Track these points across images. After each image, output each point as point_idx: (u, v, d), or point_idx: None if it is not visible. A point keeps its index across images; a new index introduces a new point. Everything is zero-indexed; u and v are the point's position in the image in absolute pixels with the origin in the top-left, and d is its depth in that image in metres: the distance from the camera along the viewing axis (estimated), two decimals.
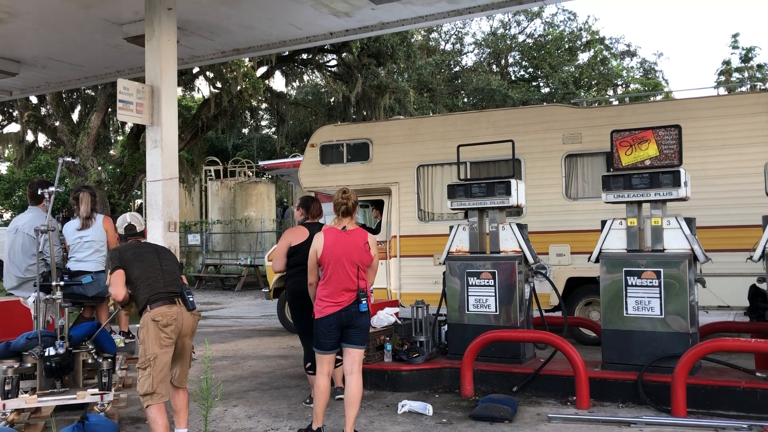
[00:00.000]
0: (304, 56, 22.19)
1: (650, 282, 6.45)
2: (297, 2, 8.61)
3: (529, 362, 7.17)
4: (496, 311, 7.23)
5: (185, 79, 20.83)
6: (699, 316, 6.81)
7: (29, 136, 22.37)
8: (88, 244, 6.89)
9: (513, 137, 8.04)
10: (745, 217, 8.43)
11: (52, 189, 6.05)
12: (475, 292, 7.33)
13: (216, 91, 20.49)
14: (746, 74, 26.07)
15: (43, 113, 21.50)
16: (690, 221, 6.56)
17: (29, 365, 5.75)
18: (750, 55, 26.52)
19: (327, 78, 24.61)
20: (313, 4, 8.67)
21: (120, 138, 28.70)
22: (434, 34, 35.75)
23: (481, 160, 9.90)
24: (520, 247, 7.27)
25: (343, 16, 9.17)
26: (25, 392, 5.68)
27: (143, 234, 5.56)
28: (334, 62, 24.13)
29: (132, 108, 7.83)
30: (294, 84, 26.92)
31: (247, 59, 19.18)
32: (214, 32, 9.80)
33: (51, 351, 5.58)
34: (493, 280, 7.24)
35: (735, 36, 26.95)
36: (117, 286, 4.97)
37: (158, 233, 7.73)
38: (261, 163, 23.68)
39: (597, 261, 6.79)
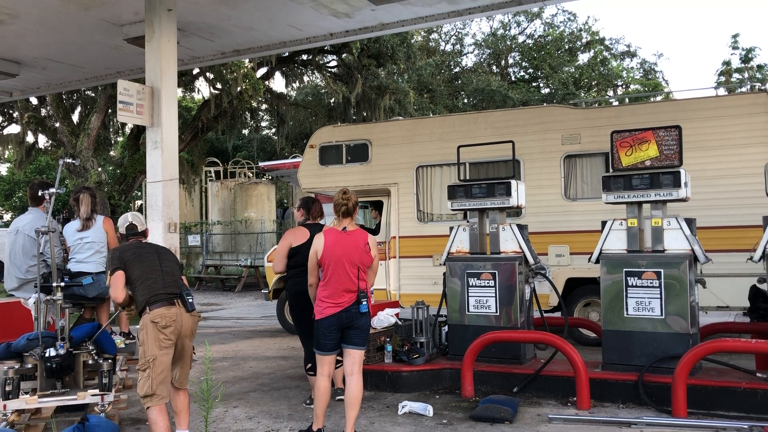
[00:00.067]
0: (304, 57, 22.20)
1: (650, 283, 6.45)
2: (297, 3, 8.62)
3: (529, 363, 7.17)
4: (497, 312, 7.23)
5: (185, 80, 20.84)
6: (699, 317, 6.81)
7: (29, 138, 22.38)
8: (88, 245, 6.89)
9: (512, 138, 8.04)
10: (745, 218, 8.43)
11: (52, 190, 6.05)
12: (475, 293, 7.33)
13: (216, 92, 20.49)
14: (746, 75, 26.07)
15: (43, 114, 21.50)
16: (690, 222, 6.56)
17: (30, 366, 5.75)
18: (750, 55, 26.53)
19: (327, 79, 24.62)
20: (313, 5, 8.68)
21: (120, 139, 28.71)
22: (434, 35, 35.77)
23: (480, 161, 9.90)
24: (521, 247, 7.27)
25: (343, 17, 9.18)
26: (26, 393, 5.69)
27: (144, 234, 5.55)
28: (334, 63, 24.14)
29: (132, 109, 7.84)
30: (294, 85, 26.92)
31: (247, 60, 19.19)
32: (214, 33, 9.81)
33: (51, 352, 5.58)
34: (493, 281, 7.24)
35: (735, 36, 26.94)
36: (116, 288, 4.97)
37: (158, 234, 7.74)
38: (261, 164, 23.69)
39: (597, 261, 6.79)
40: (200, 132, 20.93)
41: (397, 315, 7.86)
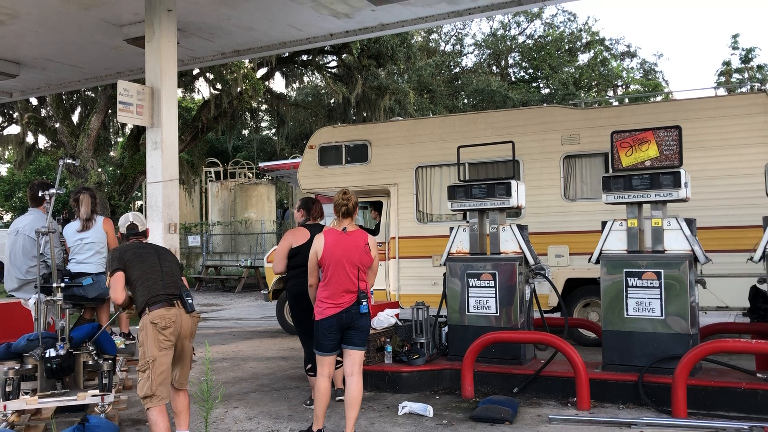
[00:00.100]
0: (304, 57, 22.20)
1: (651, 283, 6.45)
2: (297, 3, 8.62)
3: (529, 363, 7.17)
4: (497, 312, 7.23)
5: (185, 80, 20.85)
6: (699, 317, 6.81)
7: (29, 138, 22.39)
8: (88, 246, 6.89)
9: (512, 138, 8.05)
10: (744, 218, 8.43)
11: (52, 191, 6.05)
12: (475, 294, 7.33)
13: (216, 92, 20.50)
14: (746, 75, 26.07)
15: (43, 115, 21.51)
16: (690, 222, 6.56)
17: (30, 367, 5.75)
18: (750, 55, 26.54)
19: (327, 79, 24.63)
20: (313, 5, 8.68)
21: (120, 139, 28.71)
22: (434, 35, 35.78)
23: (479, 161, 9.90)
24: (521, 248, 7.27)
25: (343, 17, 9.18)
26: (26, 393, 5.69)
27: (145, 234, 5.54)
28: (334, 63, 24.15)
29: (132, 109, 7.84)
30: (294, 85, 26.92)
31: (247, 61, 19.20)
32: (214, 33, 9.81)
33: (52, 352, 5.58)
34: (493, 282, 7.24)
35: (735, 37, 26.94)
36: (116, 289, 4.97)
37: (158, 235, 7.73)
38: (261, 164, 23.70)
39: (597, 262, 6.79)
40: (200, 132, 20.93)
41: (397, 315, 7.86)
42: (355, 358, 5.31)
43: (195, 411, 5.29)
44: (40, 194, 6.67)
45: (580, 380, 6.20)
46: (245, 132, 34.04)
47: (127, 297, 5.02)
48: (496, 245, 7.40)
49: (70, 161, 7.09)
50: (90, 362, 5.90)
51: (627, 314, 6.56)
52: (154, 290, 4.91)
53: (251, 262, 21.31)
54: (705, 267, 6.74)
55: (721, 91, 22.40)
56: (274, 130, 33.20)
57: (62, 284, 5.94)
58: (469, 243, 7.54)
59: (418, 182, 10.63)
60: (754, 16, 58.42)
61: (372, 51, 22.34)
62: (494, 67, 36.08)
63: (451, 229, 7.72)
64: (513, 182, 7.31)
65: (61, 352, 5.62)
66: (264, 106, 26.86)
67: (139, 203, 28.67)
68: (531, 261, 7.27)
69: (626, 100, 29.45)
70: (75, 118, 21.99)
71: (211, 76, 20.29)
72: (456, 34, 36.25)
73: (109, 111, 19.57)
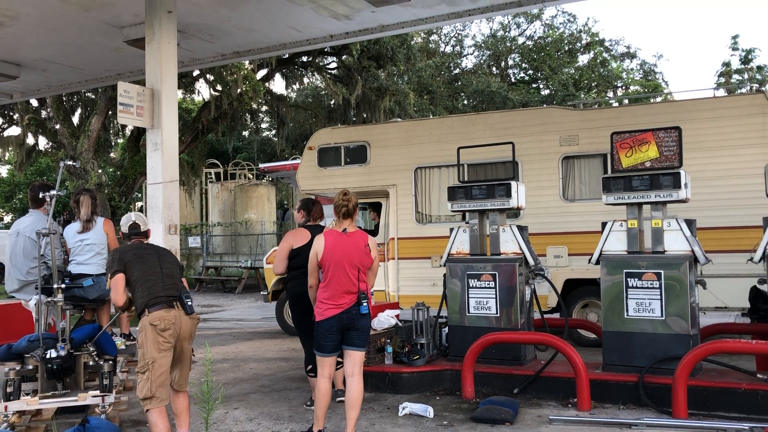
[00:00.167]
0: (304, 59, 22.22)
1: (651, 284, 6.45)
2: (297, 5, 8.62)
3: (529, 364, 7.17)
4: (497, 313, 7.23)
5: (185, 81, 20.86)
6: (699, 318, 6.81)
7: (30, 139, 22.41)
8: (88, 247, 6.89)
9: (510, 139, 8.05)
10: (743, 219, 8.44)
11: (53, 192, 6.05)
12: (475, 294, 7.33)
13: (216, 93, 20.52)
14: (746, 76, 26.07)
15: (43, 116, 21.53)
16: (690, 223, 6.56)
17: (31, 367, 5.76)
18: (750, 56, 26.52)
19: (327, 80, 24.64)
20: (313, 6, 8.69)
21: (120, 141, 28.71)
22: (434, 37, 35.76)
23: (478, 162, 9.90)
24: (521, 248, 7.27)
25: (343, 18, 9.19)
26: (27, 394, 5.69)
27: (146, 234, 5.53)
28: (334, 65, 24.16)
29: (132, 111, 7.85)
30: (294, 86, 26.95)
31: (247, 62, 19.21)
32: (214, 35, 9.82)
33: (52, 353, 5.59)
34: (493, 282, 7.24)
35: (735, 37, 26.83)
36: (117, 291, 4.97)
37: (159, 236, 7.74)
38: (261, 165, 23.71)
39: (597, 263, 6.79)
40: (200, 134, 20.95)
41: (397, 316, 7.86)
42: (355, 359, 5.32)
43: (195, 412, 5.29)
44: (40, 196, 6.68)
45: (580, 381, 6.20)
46: (245, 133, 34.06)
47: (127, 299, 5.02)
48: (496, 246, 7.40)
49: (70, 163, 7.10)
50: (91, 363, 5.90)
51: (627, 315, 6.56)
52: (153, 292, 4.91)
53: (251, 263, 21.31)
54: (704, 267, 6.74)
55: (721, 92, 22.41)
56: (274, 132, 33.21)
57: (63, 285, 5.94)
58: (470, 244, 7.54)
59: (417, 183, 10.64)
60: (754, 17, 58.47)
61: (372, 52, 22.35)
62: (494, 68, 36.08)
63: (451, 229, 7.73)
64: (513, 183, 7.32)
65: (62, 353, 5.62)
66: (264, 108, 26.88)
67: (139, 204, 28.68)
68: (531, 262, 7.27)
69: (626, 101, 29.47)
70: (75, 119, 22.01)
71: (211, 78, 20.31)
72: (456, 35, 36.27)
73: (110, 112, 19.58)
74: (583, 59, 35.19)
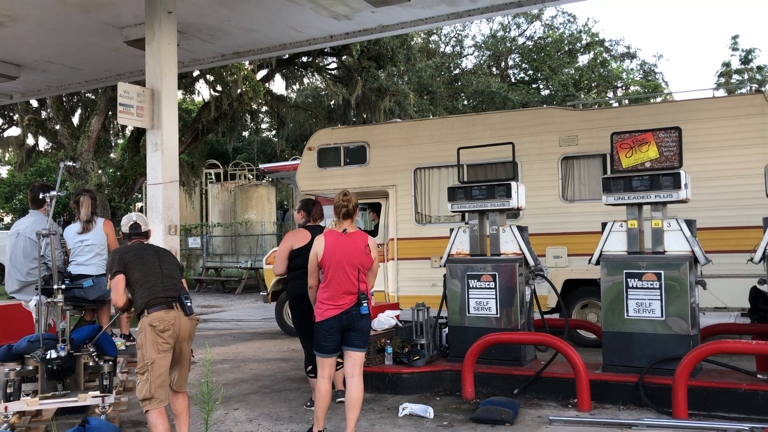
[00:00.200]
0: (304, 59, 22.22)
1: (651, 284, 6.45)
2: (297, 5, 8.62)
3: (530, 365, 7.17)
4: (497, 314, 7.23)
5: (185, 82, 20.86)
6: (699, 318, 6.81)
7: (30, 140, 22.42)
8: (88, 248, 6.88)
9: (510, 140, 8.05)
10: (742, 219, 8.44)
11: (53, 193, 6.06)
12: (475, 295, 7.33)
13: (216, 94, 20.52)
14: (746, 76, 26.07)
15: (43, 117, 21.53)
16: (690, 223, 6.56)
17: (31, 368, 5.76)
18: (750, 56, 26.53)
19: (327, 81, 24.64)
20: (313, 7, 8.68)
21: (120, 141, 28.72)
22: (434, 37, 35.77)
23: (478, 163, 9.89)
24: (521, 249, 7.27)
25: (343, 19, 9.18)
26: (27, 395, 5.69)
27: (147, 235, 5.53)
28: (334, 65, 24.16)
29: (132, 111, 7.84)
30: (294, 87, 26.95)
31: (247, 62, 19.21)
32: (215, 35, 9.81)
33: (52, 354, 5.59)
34: (493, 283, 7.24)
35: (735, 38, 26.84)
36: (117, 292, 4.97)
37: (159, 236, 7.73)
38: (261, 166, 23.73)
39: (598, 263, 6.79)
40: (200, 134, 20.95)
41: (397, 317, 7.86)
42: (355, 360, 5.32)
43: (195, 413, 5.30)
44: (40, 196, 6.68)
45: (580, 381, 6.20)
46: (245, 134, 34.07)
47: (127, 300, 5.02)
48: (496, 246, 7.40)
49: (70, 163, 7.10)
50: (91, 364, 5.90)
51: (627, 315, 6.56)
52: (153, 292, 4.91)
53: (251, 264, 21.31)
54: (704, 267, 6.75)
55: (722, 92, 22.41)
56: (274, 132, 33.22)
57: (63, 286, 5.94)
58: (470, 244, 7.54)
59: (417, 184, 10.64)
60: (754, 17, 58.48)
61: (372, 52, 22.35)
62: (494, 69, 36.08)
63: (452, 230, 7.73)
64: (513, 183, 7.32)
65: (62, 353, 5.62)
66: (264, 108, 26.89)
67: (139, 205, 28.68)
68: (531, 262, 7.27)
69: (625, 102, 29.47)
70: (75, 120, 22.01)
71: (211, 78, 20.31)
72: (456, 35, 36.29)
73: (110, 113, 19.59)
74: (583, 59, 35.24)
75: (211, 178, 28.52)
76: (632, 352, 6.51)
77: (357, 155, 11.09)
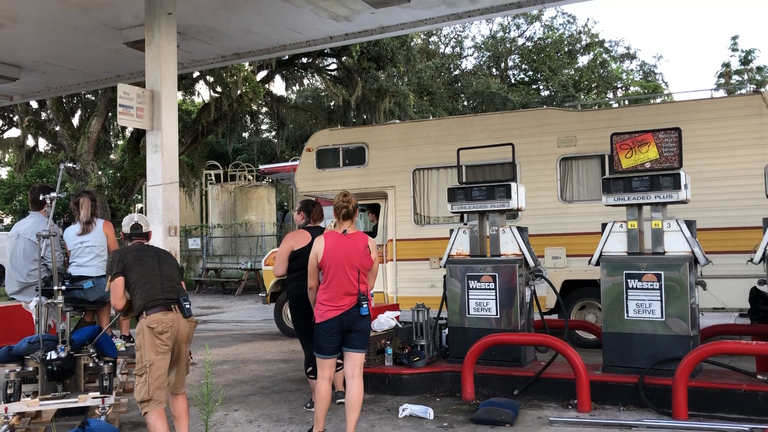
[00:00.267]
0: (304, 60, 22.23)
1: (651, 285, 6.45)
2: (297, 7, 8.62)
3: (530, 365, 7.17)
4: (497, 314, 7.23)
5: (185, 83, 20.87)
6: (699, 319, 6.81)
7: (30, 141, 22.42)
8: (88, 249, 6.89)
9: (508, 140, 8.05)
10: (740, 220, 8.45)
11: (53, 194, 6.06)
12: (475, 296, 7.33)
13: (216, 95, 20.53)
14: (746, 77, 26.07)
15: (43, 118, 21.54)
16: (690, 224, 6.56)
17: (31, 369, 5.76)
18: (749, 57, 26.53)
19: (327, 82, 24.65)
20: (313, 8, 8.69)
21: (120, 142, 28.73)
22: (434, 38, 35.79)
23: (476, 164, 9.87)
24: (521, 250, 7.27)
25: (342, 20, 9.19)
26: (27, 396, 5.69)
27: (147, 236, 5.52)
28: (334, 66, 24.17)
29: (132, 112, 7.85)
30: (294, 88, 26.97)
31: (246, 63, 19.22)
32: (214, 37, 9.82)
33: (52, 355, 5.59)
34: (493, 284, 7.24)
35: (734, 38, 26.83)
36: (116, 295, 4.98)
37: (158, 238, 7.73)
38: (261, 166, 23.73)
39: (598, 264, 6.79)
40: (200, 135, 20.96)
41: (397, 318, 7.86)
42: (355, 361, 5.31)
43: (195, 414, 5.29)
44: (41, 198, 6.68)
45: (580, 382, 6.20)
46: (245, 135, 34.09)
47: (126, 302, 5.02)
48: (496, 247, 7.40)
49: (70, 165, 7.10)
50: (91, 365, 5.90)
51: (627, 316, 6.56)
52: (152, 294, 4.91)
53: (251, 265, 21.31)
54: (703, 268, 6.75)
55: (721, 93, 22.41)
56: (274, 133, 33.23)
57: (63, 287, 5.95)
58: (469, 245, 7.54)
59: (416, 185, 10.64)
60: (754, 18, 58.51)
61: (372, 53, 22.36)
62: (494, 70, 36.10)
63: (451, 231, 7.73)
64: (513, 184, 7.32)
65: (62, 354, 5.62)
66: (264, 109, 26.91)
67: (139, 206, 28.68)
68: (531, 263, 7.27)
69: (625, 102, 29.47)
70: (75, 121, 22.02)
71: (211, 79, 20.32)
72: (455, 36, 36.30)
73: (110, 114, 19.60)
74: (583, 60, 35.25)
75: (211, 179, 28.52)
76: (632, 353, 6.51)
77: (356, 156, 11.09)
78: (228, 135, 25.63)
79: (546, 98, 32.14)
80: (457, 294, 7.43)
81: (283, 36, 9.96)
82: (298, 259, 6.17)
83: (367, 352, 5.78)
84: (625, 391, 6.32)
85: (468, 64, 36.29)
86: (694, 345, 6.28)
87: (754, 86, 22.38)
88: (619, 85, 34.58)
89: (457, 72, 34.99)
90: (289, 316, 10.68)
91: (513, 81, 35.67)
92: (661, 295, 6.41)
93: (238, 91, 19.46)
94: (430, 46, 35.43)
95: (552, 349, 6.63)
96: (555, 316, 9.44)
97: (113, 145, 28.69)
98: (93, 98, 21.28)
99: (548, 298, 9.14)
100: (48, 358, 5.57)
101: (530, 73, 35.61)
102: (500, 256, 7.35)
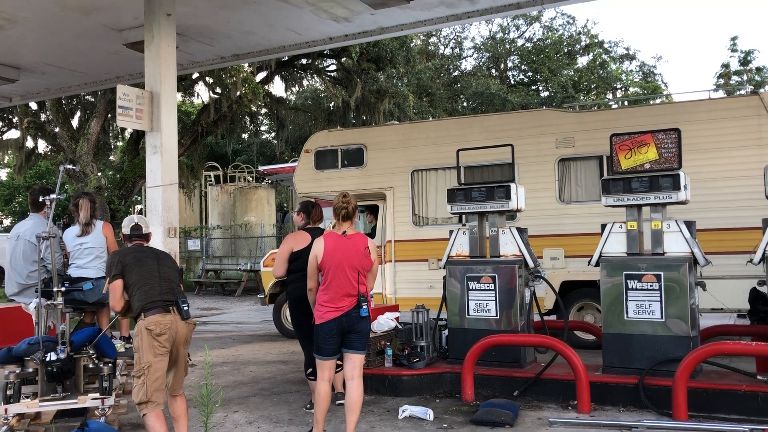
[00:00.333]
0: (304, 61, 22.22)
1: (651, 285, 6.45)
2: (296, 8, 8.63)
3: (529, 366, 7.16)
4: (497, 315, 7.22)
5: (185, 84, 20.86)
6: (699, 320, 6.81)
7: (29, 143, 22.41)
8: (88, 251, 6.89)
9: (506, 141, 8.05)
10: (739, 220, 8.45)
11: (53, 196, 6.06)
12: (475, 297, 7.33)
13: (215, 96, 20.51)
14: (745, 77, 26.10)
15: (42, 119, 21.53)
16: (690, 224, 6.56)
17: (31, 370, 5.76)
18: (749, 58, 26.57)
19: (326, 83, 24.65)
20: (313, 9, 8.69)
21: (120, 144, 28.72)
22: (433, 39, 35.81)
23: (474, 165, 9.86)
24: (520, 251, 7.27)
25: (342, 21, 9.20)
26: (27, 397, 5.70)
27: (147, 237, 5.52)
28: (333, 67, 24.16)
29: (131, 114, 7.85)
30: (293, 89, 26.96)
31: (246, 64, 19.22)
32: (214, 38, 9.83)
33: (52, 356, 5.59)
34: (493, 285, 7.24)
35: (734, 39, 26.88)
36: (115, 297, 4.98)
37: (158, 239, 7.74)
38: (261, 168, 23.71)
39: (597, 264, 6.79)
40: (200, 136, 20.95)
41: (397, 319, 7.86)
42: (355, 362, 5.31)
43: (195, 415, 5.29)
44: (40, 199, 6.68)
45: (580, 383, 6.19)
46: (245, 136, 34.06)
47: (125, 304, 5.02)
48: (495, 248, 7.40)
49: (70, 166, 7.11)
50: (90, 365, 5.90)
51: (627, 317, 6.56)
52: (150, 296, 4.91)
53: (251, 266, 21.30)
54: (703, 268, 6.75)
55: (720, 94, 22.40)
56: (273, 134, 33.22)
57: (62, 289, 5.95)
58: (469, 246, 7.54)
59: (414, 186, 10.64)
60: (753, 19, 58.57)
61: (371, 54, 22.36)
62: (493, 71, 36.11)
63: (451, 232, 7.73)
64: (512, 185, 7.32)
65: (62, 355, 5.62)
66: (263, 110, 26.89)
67: (138, 207, 28.67)
68: (531, 264, 7.27)
69: (624, 103, 29.48)
70: (75, 122, 22.01)
71: (210, 80, 20.32)
72: (455, 37, 36.32)
73: (109, 115, 19.58)
74: (583, 61, 35.25)
75: (211, 181, 28.51)
76: (632, 354, 6.51)
77: (354, 157, 11.10)
78: (227, 136, 25.62)
79: (545, 99, 32.15)
80: (457, 295, 7.43)
81: (282, 37, 9.97)
82: (298, 260, 6.17)
83: (366, 354, 5.78)
84: (625, 391, 6.32)
85: (467, 65, 36.35)
86: (693, 346, 6.27)
87: (752, 87, 22.37)
88: (618, 86, 34.60)
89: (456, 73, 35.01)
90: (289, 317, 10.68)
91: (512, 82, 35.68)
92: (660, 296, 6.41)
93: (238, 93, 19.45)
94: (430, 47, 35.44)
95: (552, 350, 6.63)
96: (553, 317, 9.45)
97: (113, 147, 28.68)
98: (92, 99, 21.27)
99: (547, 299, 9.14)
100: (48, 359, 5.57)
101: (530, 74, 35.63)
102: (500, 257, 7.35)
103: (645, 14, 62.75)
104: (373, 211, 11.18)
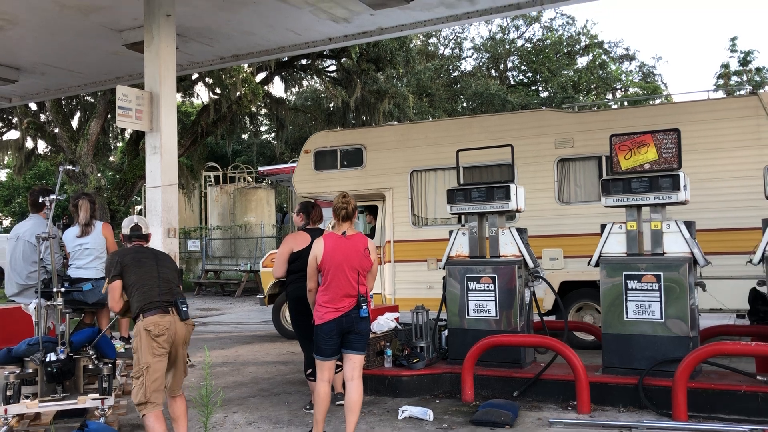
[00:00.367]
0: (303, 62, 22.23)
1: (650, 286, 6.46)
2: (296, 8, 8.63)
3: (529, 367, 7.17)
4: (497, 316, 7.23)
5: (184, 85, 20.87)
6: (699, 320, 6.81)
7: (29, 143, 22.40)
8: (87, 251, 6.89)
9: (506, 142, 8.06)
10: (739, 220, 8.45)
11: (53, 197, 6.07)
12: (475, 297, 7.33)
13: (215, 96, 20.52)
14: (745, 77, 26.10)
15: (42, 120, 21.52)
16: (690, 225, 6.56)
17: (30, 371, 5.76)
18: (748, 58, 26.56)
19: (326, 83, 24.65)
20: (312, 9, 8.69)
21: (119, 144, 28.72)
22: (433, 39, 35.82)
23: (474, 165, 9.85)
24: (520, 251, 7.27)
25: (342, 21, 9.19)
26: (27, 398, 5.69)
27: (147, 238, 5.52)
28: (333, 68, 24.17)
29: (131, 114, 7.84)
30: (293, 89, 26.96)
31: (246, 65, 19.22)
32: (213, 38, 9.82)
33: (52, 356, 5.59)
34: (493, 285, 7.24)
35: (733, 39, 26.86)
36: (113, 298, 4.98)
37: (158, 239, 7.73)
38: (260, 168, 23.70)
39: (597, 265, 6.79)
40: (199, 137, 20.95)
41: (396, 319, 7.86)
42: (355, 363, 5.31)
43: (194, 416, 5.29)
44: (40, 200, 6.68)
45: (580, 383, 6.20)
46: (245, 136, 34.05)
47: (124, 305, 5.02)
48: (495, 248, 7.40)
49: (69, 167, 7.10)
50: (90, 366, 5.90)
51: (627, 317, 6.56)
52: (149, 296, 4.90)
53: (251, 267, 21.29)
54: (702, 269, 6.75)
55: (720, 94, 22.42)
56: (273, 135, 33.21)
57: (62, 289, 5.95)
58: (469, 246, 7.54)
59: (413, 186, 10.65)
60: (753, 19, 58.58)
61: (371, 55, 22.36)
62: (493, 71, 36.11)
63: (451, 232, 7.73)
64: (512, 185, 7.32)
65: (62, 356, 5.62)
66: (263, 111, 26.89)
67: (138, 208, 28.66)
68: (530, 264, 7.27)
69: (624, 103, 29.48)
70: (74, 123, 22.00)
71: (210, 81, 20.32)
72: (455, 37, 36.33)
73: (109, 116, 19.58)
74: (582, 61, 35.25)
75: (211, 181, 28.49)
76: (632, 354, 6.51)
77: (353, 158, 11.10)
78: (227, 137, 25.62)
79: (545, 99, 32.15)
80: (457, 295, 7.43)
81: (282, 37, 9.96)
82: (298, 260, 6.17)
83: (366, 354, 5.78)
84: (625, 392, 6.32)
85: (467, 65, 36.35)
86: (693, 346, 6.28)
87: (751, 87, 22.39)
88: (618, 87, 34.60)
89: (456, 73, 35.00)
90: (288, 317, 10.67)
91: (512, 82, 35.69)
92: (660, 296, 6.41)
93: (237, 93, 19.45)
94: (430, 48, 35.46)
95: (551, 350, 6.63)
96: (552, 317, 9.45)
97: (112, 147, 28.68)
98: (92, 100, 21.27)
99: (546, 299, 9.14)
100: (47, 359, 5.57)
101: (529, 74, 35.63)
102: (499, 257, 7.35)
103: (645, 14, 62.79)
104: (372, 211, 11.18)
